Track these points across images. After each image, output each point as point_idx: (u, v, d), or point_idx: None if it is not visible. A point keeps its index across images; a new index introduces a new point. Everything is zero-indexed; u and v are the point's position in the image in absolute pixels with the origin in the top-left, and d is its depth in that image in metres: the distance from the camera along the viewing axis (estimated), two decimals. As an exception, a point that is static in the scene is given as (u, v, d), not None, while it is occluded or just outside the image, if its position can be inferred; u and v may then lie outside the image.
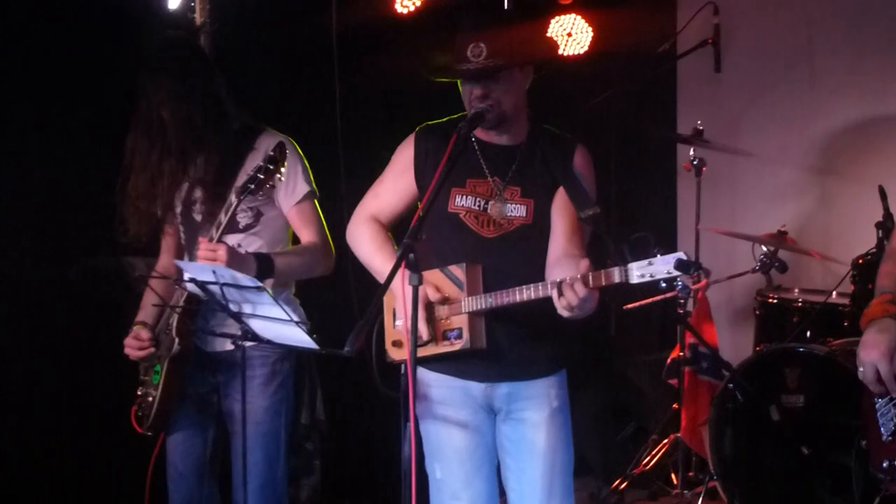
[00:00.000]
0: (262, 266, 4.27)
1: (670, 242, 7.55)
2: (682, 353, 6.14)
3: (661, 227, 7.51)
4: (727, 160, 6.87)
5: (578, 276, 3.55)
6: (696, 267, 3.41)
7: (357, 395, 5.58)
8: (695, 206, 6.48)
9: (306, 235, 4.49)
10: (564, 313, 3.63)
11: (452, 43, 3.96)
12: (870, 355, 3.41)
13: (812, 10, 7.11)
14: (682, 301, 6.12)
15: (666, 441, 6.33)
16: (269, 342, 4.10)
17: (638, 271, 3.49)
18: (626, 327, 6.98)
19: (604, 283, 3.55)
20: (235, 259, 4.13)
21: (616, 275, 3.53)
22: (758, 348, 5.95)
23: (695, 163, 6.36)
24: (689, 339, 6.12)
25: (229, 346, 4.21)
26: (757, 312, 6.18)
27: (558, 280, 3.61)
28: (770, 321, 6.07)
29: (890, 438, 3.42)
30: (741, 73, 7.23)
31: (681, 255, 3.42)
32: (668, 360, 6.28)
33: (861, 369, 3.46)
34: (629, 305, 6.35)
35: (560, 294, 3.59)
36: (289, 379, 4.54)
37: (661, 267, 3.44)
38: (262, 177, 4.11)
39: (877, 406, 3.49)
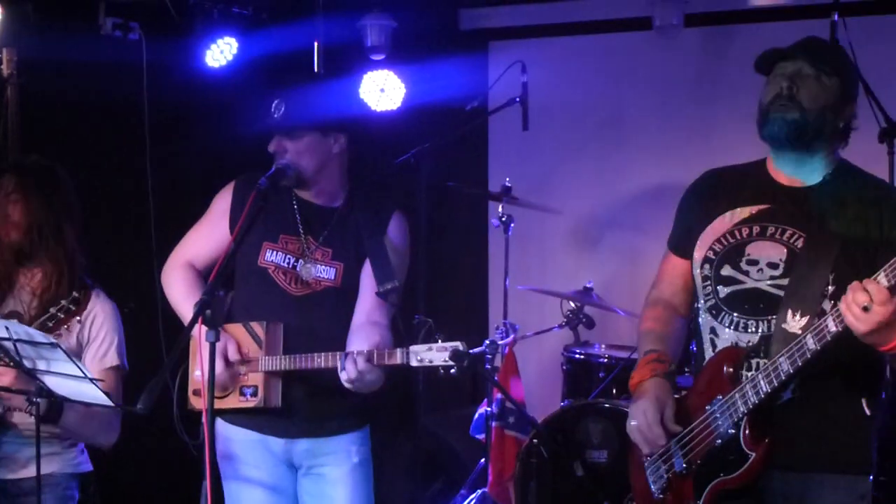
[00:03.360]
0: (50, 412, 3.97)
1: (481, 298, 7.61)
2: (489, 409, 6.16)
3: (471, 283, 7.56)
4: (536, 217, 6.95)
5: (365, 350, 3.65)
6: (470, 359, 3.59)
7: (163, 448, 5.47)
8: (504, 262, 6.53)
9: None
10: (346, 385, 3.71)
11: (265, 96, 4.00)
12: (636, 419, 3.43)
13: (621, 74, 7.30)
14: (489, 357, 6.15)
15: (474, 496, 6.33)
16: (64, 399, 3.97)
17: (418, 355, 3.64)
18: (434, 383, 6.96)
19: (387, 362, 3.68)
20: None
21: (398, 356, 3.67)
22: (563, 404, 6.01)
23: (503, 220, 6.42)
24: (497, 395, 6.15)
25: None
26: (564, 368, 6.26)
27: (345, 353, 3.70)
28: (577, 376, 6.15)
29: (661, 496, 3.45)
30: (550, 132, 7.34)
31: (458, 345, 3.59)
32: (476, 416, 6.30)
33: (631, 425, 3.45)
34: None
35: (342, 368, 3.67)
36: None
37: (438, 354, 3.61)
38: (62, 316, 4.00)
39: (646, 464, 3.50)
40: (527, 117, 6.54)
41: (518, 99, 6.51)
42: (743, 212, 3.41)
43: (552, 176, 7.44)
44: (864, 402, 3.33)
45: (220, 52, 6.29)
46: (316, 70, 6.59)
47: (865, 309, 2.92)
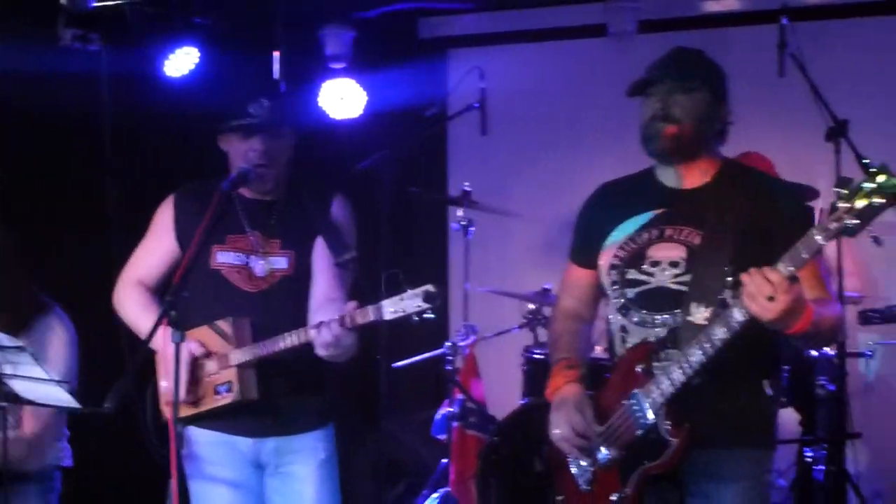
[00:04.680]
0: None
1: (442, 301, 7.66)
2: (450, 409, 6.24)
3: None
4: (496, 221, 7.03)
5: (336, 316, 3.67)
6: (442, 297, 3.63)
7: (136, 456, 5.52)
8: (463, 264, 6.62)
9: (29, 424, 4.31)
10: (321, 352, 3.76)
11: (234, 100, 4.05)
12: (559, 428, 3.56)
13: (577, 79, 7.42)
14: (450, 358, 6.24)
15: (437, 495, 6.40)
16: (30, 402, 4.04)
17: (391, 307, 3.64)
18: (397, 385, 7.03)
19: (360, 322, 3.68)
20: None
21: (370, 313, 3.67)
22: (522, 402, 6.10)
23: (464, 224, 6.50)
24: (458, 395, 6.23)
25: None
26: (524, 368, 6.34)
27: (317, 323, 3.73)
28: (536, 376, 6.21)
29: (588, 488, 3.56)
30: (508, 137, 7.46)
31: (428, 287, 3.62)
32: (438, 416, 6.38)
33: (555, 434, 3.58)
34: (399, 363, 6.44)
35: (318, 334, 3.71)
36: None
37: (411, 302, 3.61)
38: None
39: (569, 460, 3.61)
40: (485, 123, 6.63)
41: (476, 105, 6.61)
42: (640, 218, 3.57)
43: (511, 180, 7.55)
44: (765, 383, 3.54)
45: (180, 62, 6.36)
46: (276, 78, 6.66)
47: (770, 299, 3.08)
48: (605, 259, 3.62)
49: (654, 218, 3.56)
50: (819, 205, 5.63)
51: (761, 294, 3.09)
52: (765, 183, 3.68)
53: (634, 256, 3.55)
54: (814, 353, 5.76)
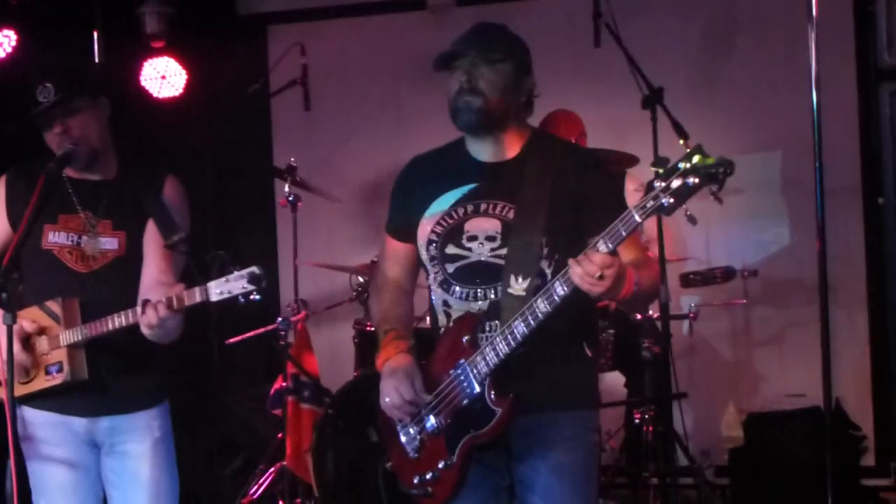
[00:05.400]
0: None
1: (272, 277, 7.67)
2: (284, 384, 6.29)
3: (262, 261, 7.59)
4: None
5: (163, 298, 3.69)
6: (267, 280, 3.64)
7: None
8: (292, 240, 6.66)
9: None
10: (146, 331, 3.78)
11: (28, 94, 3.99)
12: (389, 396, 3.63)
13: (398, 53, 7.52)
14: (282, 333, 6.29)
15: (273, 470, 6.45)
16: None
17: (217, 289, 3.66)
18: (230, 361, 7.08)
19: (186, 303, 3.71)
20: None
21: (197, 294, 3.70)
22: (355, 374, 6.19)
23: (290, 199, 6.53)
24: (292, 370, 6.28)
25: None
26: (355, 340, 6.43)
27: (144, 301, 3.74)
28: (368, 348, 6.28)
29: (416, 455, 3.65)
30: (330, 112, 7.53)
31: (254, 269, 3.64)
32: (272, 391, 6.43)
33: (385, 402, 3.66)
34: (232, 340, 6.46)
35: (143, 313, 3.72)
36: None
37: (236, 283, 3.63)
38: None
39: (398, 427, 3.70)
40: (308, 98, 6.69)
41: (298, 80, 6.66)
42: (455, 193, 3.67)
43: (336, 154, 7.62)
44: (584, 345, 3.69)
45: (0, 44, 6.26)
46: (95, 58, 6.58)
47: (600, 277, 3.23)
48: (423, 234, 3.70)
49: (470, 193, 3.65)
50: (639, 172, 5.83)
51: (589, 275, 3.22)
52: (572, 153, 3.83)
53: (452, 231, 3.64)
54: (637, 316, 5.93)
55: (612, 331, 6.05)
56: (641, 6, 7.06)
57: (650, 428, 6.00)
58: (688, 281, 6.53)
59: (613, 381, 6.48)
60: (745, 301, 6.86)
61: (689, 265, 6.83)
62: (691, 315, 6.41)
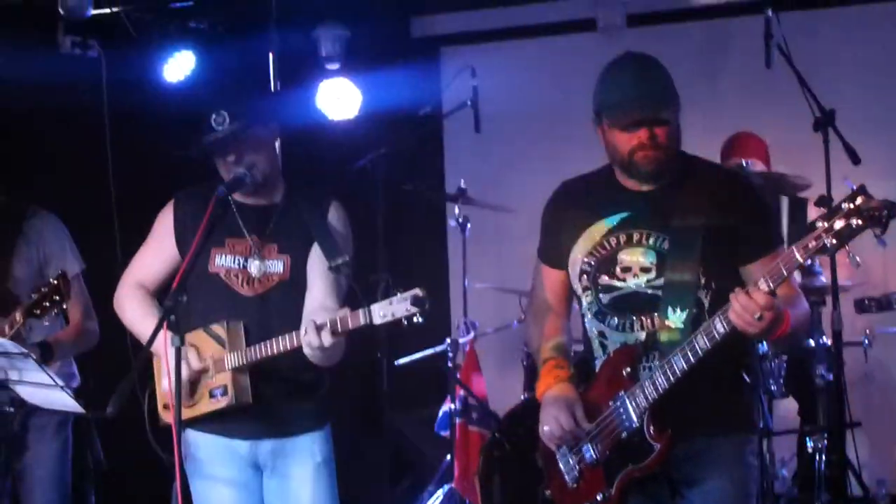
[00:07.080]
0: (44, 354, 4.49)
1: (442, 298, 7.72)
2: (452, 406, 6.29)
3: (431, 283, 7.62)
4: (493, 216, 7.09)
5: (327, 321, 3.70)
6: (430, 302, 3.63)
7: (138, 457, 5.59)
8: (461, 262, 6.66)
9: (75, 314, 4.75)
10: (308, 353, 3.80)
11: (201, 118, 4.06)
12: (548, 425, 3.61)
13: (568, 74, 7.46)
14: (451, 354, 6.29)
15: (441, 492, 6.45)
16: (35, 408, 4.11)
17: (380, 311, 3.66)
18: (399, 382, 7.09)
19: (350, 326, 3.71)
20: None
21: (360, 317, 3.70)
22: (523, 396, 6.15)
23: (460, 220, 6.55)
24: (460, 392, 6.28)
25: None
26: (524, 363, 6.39)
27: (309, 323, 3.75)
28: (536, 370, 6.23)
29: (574, 485, 3.63)
30: (502, 133, 7.49)
31: (416, 291, 3.63)
32: (440, 413, 6.43)
33: (544, 430, 3.64)
34: (401, 361, 6.49)
35: (305, 335, 3.74)
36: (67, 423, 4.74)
37: (399, 306, 3.63)
38: (47, 304, 4.29)
39: (557, 457, 3.68)
40: (478, 119, 6.69)
41: (469, 102, 6.66)
42: (607, 222, 3.62)
43: (505, 175, 7.59)
44: (743, 373, 3.64)
45: (178, 66, 6.42)
46: (272, 81, 6.70)
47: (759, 318, 3.19)
48: (575, 265, 3.67)
49: (621, 222, 3.61)
50: (810, 194, 5.68)
51: (748, 313, 3.19)
52: (726, 181, 3.73)
53: (605, 261, 3.60)
54: (811, 342, 5.80)
55: (784, 356, 5.91)
56: (813, 27, 6.91)
57: (823, 457, 5.84)
58: (863, 306, 6.33)
59: (787, 409, 6.32)
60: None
61: (864, 290, 6.62)
62: (866, 342, 6.22)
